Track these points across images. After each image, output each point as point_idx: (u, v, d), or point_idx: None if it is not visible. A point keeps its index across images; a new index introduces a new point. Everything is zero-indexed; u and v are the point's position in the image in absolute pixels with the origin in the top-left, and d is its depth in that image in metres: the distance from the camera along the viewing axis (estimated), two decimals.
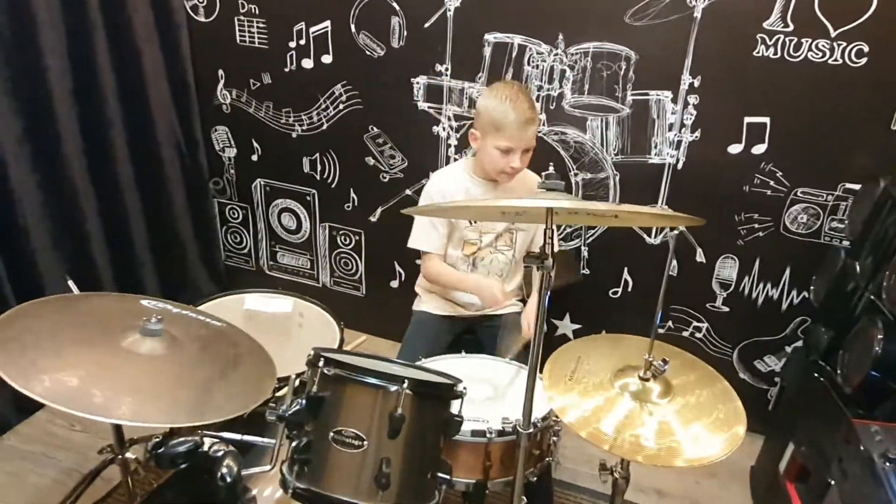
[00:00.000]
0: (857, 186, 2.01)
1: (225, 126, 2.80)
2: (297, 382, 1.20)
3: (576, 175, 2.33)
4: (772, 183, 2.11)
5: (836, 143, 2.00)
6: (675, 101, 2.11)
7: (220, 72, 2.69)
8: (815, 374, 1.83)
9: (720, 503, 2.15)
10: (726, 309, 2.34)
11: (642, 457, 1.20)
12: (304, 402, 1.14)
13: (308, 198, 2.80)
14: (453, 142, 2.44)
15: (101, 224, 2.53)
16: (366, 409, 1.11)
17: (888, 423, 1.48)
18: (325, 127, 2.62)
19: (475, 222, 1.95)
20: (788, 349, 2.31)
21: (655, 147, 2.19)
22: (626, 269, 2.42)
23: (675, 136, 2.15)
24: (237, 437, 1.26)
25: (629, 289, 2.44)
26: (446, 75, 2.34)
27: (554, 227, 1.02)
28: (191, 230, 2.96)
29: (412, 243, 2.00)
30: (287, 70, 2.56)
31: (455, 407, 1.18)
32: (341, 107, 2.55)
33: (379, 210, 2.68)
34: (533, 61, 2.21)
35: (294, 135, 2.68)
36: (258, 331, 1.62)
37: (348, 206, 2.74)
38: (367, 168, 2.61)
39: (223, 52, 2.63)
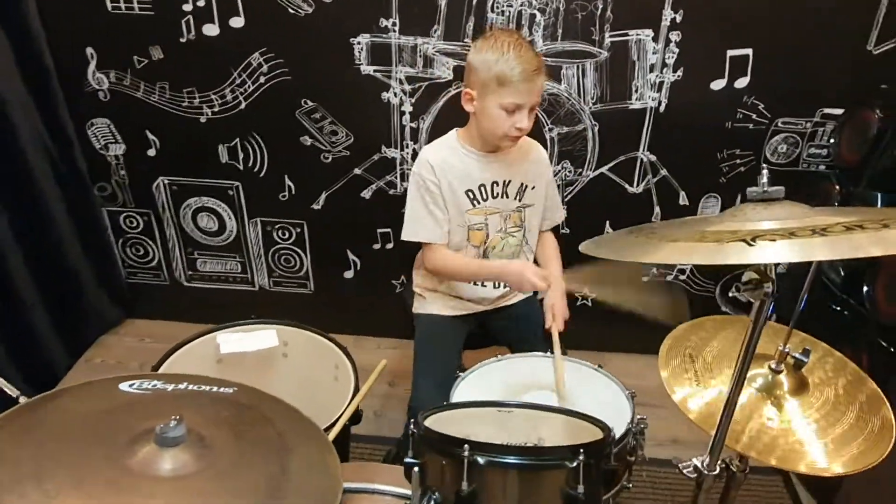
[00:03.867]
0: (835, 111, 2.01)
1: (104, 118, 2.24)
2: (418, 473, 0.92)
3: (550, 130, 2.13)
4: (754, 116, 2.05)
5: (814, 69, 1.97)
6: (656, 39, 1.95)
7: (89, 50, 2.11)
8: (835, 307, 1.84)
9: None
10: None
11: (756, 452, 1.09)
12: (441, 497, 0.88)
13: (230, 192, 2.35)
14: (408, 109, 2.12)
15: None
16: (538, 493, 0.87)
17: None
18: (242, 106, 2.17)
19: (479, 203, 1.69)
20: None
21: (636, 91, 2.03)
22: (607, 221, 2.30)
23: (656, 78, 2.00)
24: None
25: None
26: (394, 31, 2.00)
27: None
28: (79, 249, 2.40)
29: (407, 235, 1.71)
30: (184, 40, 2.06)
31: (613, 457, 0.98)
32: (262, 80, 2.11)
33: (323, 196, 2.32)
34: (498, 7, 1.93)
35: (203, 119, 2.20)
36: (235, 373, 1.30)
37: (283, 196, 2.33)
38: (304, 149, 2.22)
39: (90, 24, 2.06)
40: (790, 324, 1.14)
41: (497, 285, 1.79)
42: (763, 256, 0.67)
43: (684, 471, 1.01)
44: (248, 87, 2.13)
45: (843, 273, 1.85)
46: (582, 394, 1.44)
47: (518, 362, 1.56)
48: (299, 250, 2.46)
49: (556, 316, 1.65)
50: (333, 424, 1.40)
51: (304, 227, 2.39)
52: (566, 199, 2.25)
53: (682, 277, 2.38)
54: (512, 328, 1.82)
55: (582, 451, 0.86)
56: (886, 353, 1.64)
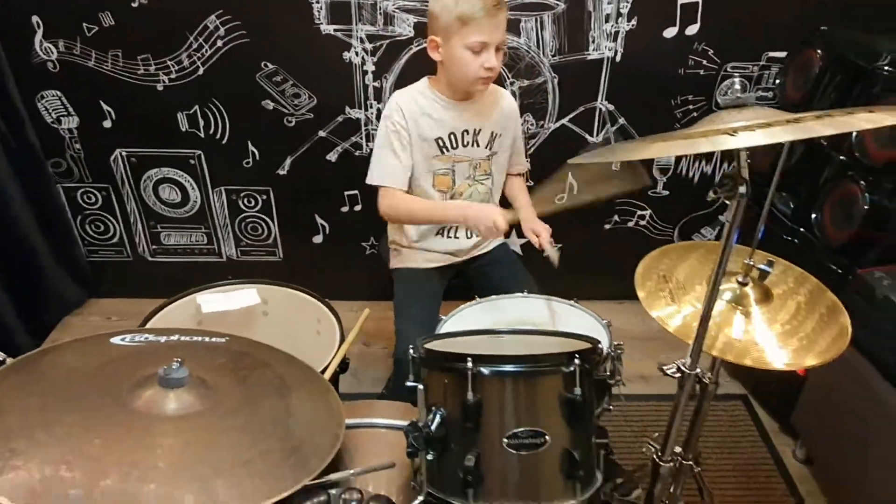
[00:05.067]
0: (779, 54, 2.11)
1: (55, 90, 2.17)
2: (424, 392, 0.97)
3: (512, 84, 2.17)
4: (704, 62, 2.14)
5: (759, 14, 2.05)
6: None
7: (35, 19, 2.03)
8: (786, 237, 1.96)
9: None
10: (667, 193, 2.41)
11: (733, 356, 1.18)
12: (446, 412, 0.93)
13: (192, 161, 2.32)
14: (370, 68, 2.13)
15: None
16: (538, 399, 0.93)
17: (886, 268, 1.63)
18: (201, 72, 2.13)
19: (448, 150, 1.73)
20: (721, 218, 2.46)
21: (593, 42, 2.09)
22: (569, 173, 2.36)
23: (612, 28, 2.06)
24: (350, 472, 1.00)
25: (574, 191, 2.39)
26: None
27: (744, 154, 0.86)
28: (36, 229, 2.33)
29: (373, 180, 1.70)
30: (136, 5, 2.01)
31: (604, 368, 1.04)
32: (220, 43, 2.08)
33: (288, 160, 2.31)
34: None
35: (160, 87, 2.15)
36: None
37: (248, 163, 2.31)
38: (267, 113, 2.20)
39: None
40: (752, 244, 1.22)
41: (469, 235, 1.83)
42: (747, 141, 0.73)
43: (668, 372, 1.09)
44: (206, 51, 2.09)
45: (792, 205, 1.96)
46: (562, 326, 1.51)
47: (497, 303, 1.62)
48: (266, 218, 2.45)
49: (539, 233, 1.71)
50: (326, 368, 1.43)
51: (269, 193, 2.38)
52: (529, 152, 2.30)
53: (642, 223, 2.48)
54: (489, 275, 1.87)
55: (577, 356, 0.92)
56: (836, 275, 1.76)
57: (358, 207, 2.40)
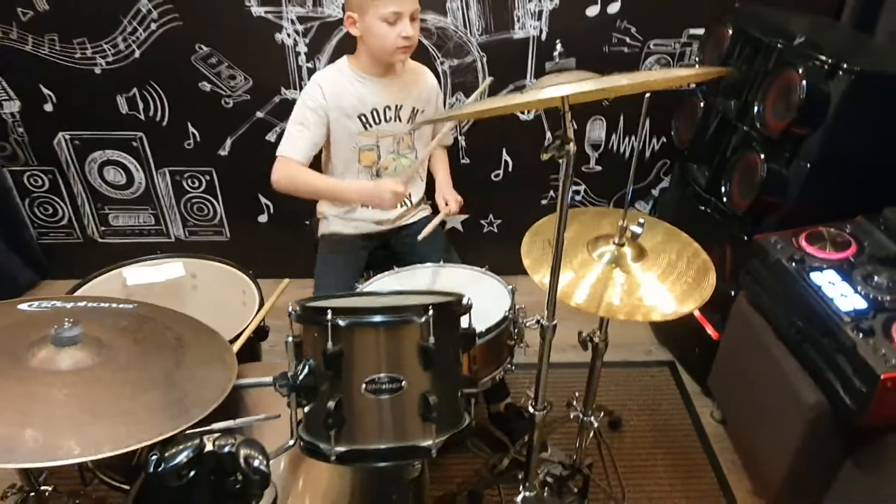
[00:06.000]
0: (698, 31, 2.18)
1: None
2: (292, 343, 1.04)
3: (442, 63, 2.23)
4: (627, 40, 2.20)
5: None
6: None
7: None
8: (701, 207, 2.04)
9: (627, 341, 2.38)
10: (599, 168, 2.48)
11: (624, 314, 1.26)
12: (315, 362, 1.00)
13: (134, 143, 2.37)
14: (302, 49, 2.18)
15: None
16: (396, 348, 1.01)
17: (781, 232, 1.71)
18: (137, 55, 2.18)
19: (370, 126, 1.79)
20: (654, 192, 2.54)
21: (518, 21, 2.15)
22: (503, 149, 2.44)
23: (535, 7, 2.12)
24: (233, 423, 1.08)
25: (510, 169, 2.47)
26: None
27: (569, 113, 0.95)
28: None
29: (281, 151, 1.74)
30: None
31: (465, 321, 1.12)
32: (153, 27, 2.13)
33: (229, 141, 2.36)
34: None
35: (98, 70, 2.20)
36: None
37: (189, 144, 2.37)
38: (204, 95, 2.25)
39: None
40: (625, 206, 1.30)
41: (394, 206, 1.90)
42: (552, 92, 0.81)
43: (528, 325, 1.16)
44: (140, 34, 2.14)
45: (707, 175, 2.04)
46: (470, 291, 1.58)
47: (412, 272, 1.69)
48: (211, 198, 2.51)
49: (448, 202, 1.80)
50: (239, 336, 1.51)
51: (212, 174, 2.44)
52: (464, 130, 2.37)
53: (578, 198, 2.56)
54: (413, 246, 1.93)
55: (431, 308, 1.00)
56: (742, 241, 1.84)
57: None
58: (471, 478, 1.79)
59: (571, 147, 0.93)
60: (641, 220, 1.28)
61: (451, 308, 1.06)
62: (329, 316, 0.98)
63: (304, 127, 1.72)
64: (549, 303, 1.10)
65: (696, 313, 2.14)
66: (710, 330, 2.07)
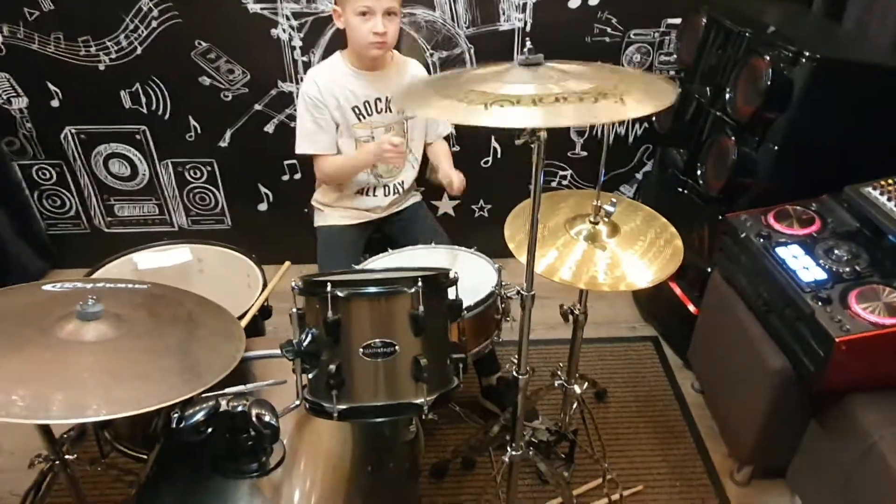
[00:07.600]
0: (676, 21, 2.28)
1: (3, 72, 2.31)
2: (296, 315, 1.16)
3: (431, 56, 2.33)
4: (608, 30, 2.30)
5: None
6: None
7: None
8: (679, 189, 2.15)
9: (613, 319, 2.50)
10: (585, 153, 2.59)
11: (608, 287, 1.38)
12: (317, 330, 1.11)
13: (138, 137, 2.47)
14: (297, 43, 2.28)
15: None
16: (389, 316, 1.12)
17: (750, 211, 1.83)
18: (139, 52, 2.27)
19: (364, 118, 1.89)
20: (638, 175, 2.65)
21: (504, 13, 2.25)
22: (492, 137, 2.54)
23: (519, 0, 2.22)
24: (244, 387, 1.19)
25: (499, 155, 2.58)
26: None
27: None
28: None
29: (300, 149, 1.89)
30: None
31: (452, 293, 1.23)
32: (154, 24, 2.22)
33: (228, 133, 2.46)
34: None
35: (101, 67, 2.30)
36: None
37: (190, 136, 2.47)
38: (204, 89, 2.35)
39: None
40: (597, 187, 1.41)
41: (386, 193, 2.01)
42: (492, 121, 0.92)
43: (509, 295, 1.27)
44: (142, 32, 2.23)
45: (684, 158, 2.15)
46: (459, 269, 1.69)
47: (407, 253, 1.79)
48: (212, 188, 2.61)
49: (452, 181, 1.88)
50: (245, 314, 1.62)
51: (213, 164, 2.54)
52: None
53: (565, 182, 2.66)
54: (406, 230, 2.05)
55: (420, 280, 1.11)
56: (715, 220, 1.95)
57: (297, 175, 2.57)
58: (463, 446, 1.91)
59: (542, 135, 1.03)
60: (613, 200, 1.39)
61: (439, 280, 1.17)
62: (329, 288, 1.09)
63: (315, 123, 1.84)
64: (527, 274, 1.21)
65: (678, 290, 2.26)
66: (690, 306, 2.18)
